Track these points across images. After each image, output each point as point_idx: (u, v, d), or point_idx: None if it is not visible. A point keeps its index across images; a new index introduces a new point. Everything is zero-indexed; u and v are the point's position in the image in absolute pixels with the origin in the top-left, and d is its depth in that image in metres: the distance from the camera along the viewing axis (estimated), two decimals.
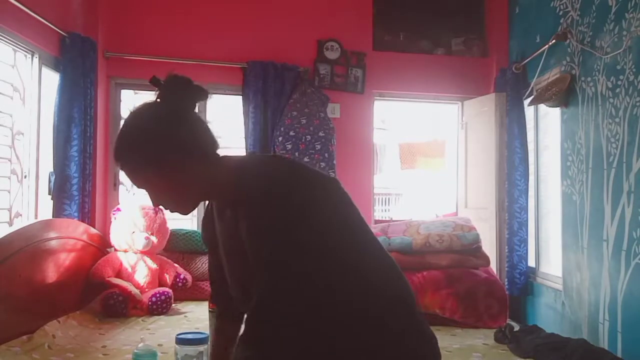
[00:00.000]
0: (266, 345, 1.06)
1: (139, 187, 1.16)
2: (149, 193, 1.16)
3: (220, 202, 1.22)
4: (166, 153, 1.10)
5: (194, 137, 1.14)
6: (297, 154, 4.09)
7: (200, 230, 3.68)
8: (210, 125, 1.19)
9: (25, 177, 3.37)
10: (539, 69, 3.74)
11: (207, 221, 1.34)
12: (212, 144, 1.17)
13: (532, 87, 3.92)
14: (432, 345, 1.17)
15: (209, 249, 1.37)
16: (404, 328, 1.13)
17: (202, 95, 1.16)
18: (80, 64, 3.68)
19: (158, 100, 1.15)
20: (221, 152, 1.22)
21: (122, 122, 1.19)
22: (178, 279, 3.81)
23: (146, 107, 1.16)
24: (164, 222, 3.88)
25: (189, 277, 3.87)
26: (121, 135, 1.14)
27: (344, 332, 1.08)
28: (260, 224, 1.07)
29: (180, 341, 1.86)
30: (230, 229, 1.17)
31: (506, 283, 3.95)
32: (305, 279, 1.06)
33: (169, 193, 1.15)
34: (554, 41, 3.55)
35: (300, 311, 1.06)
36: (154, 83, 1.15)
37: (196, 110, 1.18)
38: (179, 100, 1.13)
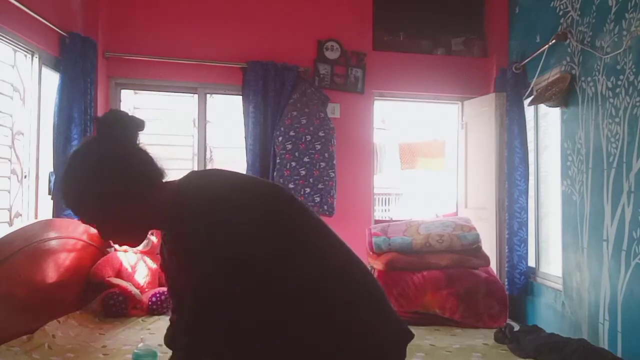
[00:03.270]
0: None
1: (88, 224, 1.16)
2: (98, 230, 1.16)
3: (164, 227, 1.22)
4: (112, 192, 1.09)
5: (138, 171, 1.13)
6: (297, 154, 4.09)
7: None
8: (153, 155, 1.18)
9: (25, 177, 3.37)
10: (539, 69, 3.74)
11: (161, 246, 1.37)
12: (158, 173, 1.17)
13: (532, 87, 3.92)
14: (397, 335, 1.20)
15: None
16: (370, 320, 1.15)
17: (140, 126, 1.17)
18: (80, 64, 3.68)
19: (98, 138, 1.15)
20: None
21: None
22: None
23: (86, 148, 1.15)
24: None
25: None
26: (65, 181, 1.12)
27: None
28: (194, 246, 1.09)
29: None
30: (170, 252, 1.22)
31: (506, 283, 3.95)
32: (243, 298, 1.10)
33: (118, 229, 1.14)
34: (554, 41, 3.55)
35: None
36: (96, 122, 1.17)
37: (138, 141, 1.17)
38: (118, 136, 1.13)
